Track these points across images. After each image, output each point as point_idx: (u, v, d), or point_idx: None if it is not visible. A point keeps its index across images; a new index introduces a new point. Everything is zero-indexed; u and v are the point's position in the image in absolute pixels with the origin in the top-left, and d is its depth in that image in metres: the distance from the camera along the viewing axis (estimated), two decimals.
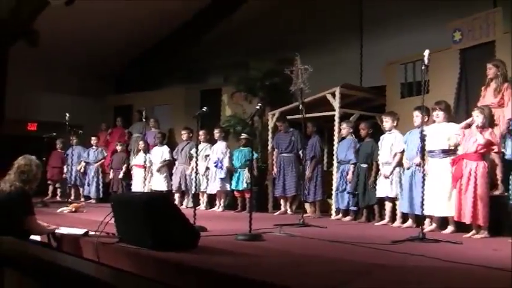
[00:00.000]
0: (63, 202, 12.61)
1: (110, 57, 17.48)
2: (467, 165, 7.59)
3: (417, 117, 8.61)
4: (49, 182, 15.44)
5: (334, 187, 10.72)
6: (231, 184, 12.30)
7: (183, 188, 13.18)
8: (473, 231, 7.51)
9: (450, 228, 8.00)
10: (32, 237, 6.11)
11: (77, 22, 14.45)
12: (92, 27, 15.11)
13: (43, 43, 14.61)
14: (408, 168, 8.95)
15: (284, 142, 11.66)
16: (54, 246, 6.13)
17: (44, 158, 12.53)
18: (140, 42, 16.98)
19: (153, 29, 15.92)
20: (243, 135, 12.44)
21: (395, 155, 9.31)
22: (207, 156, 12.66)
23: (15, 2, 13.58)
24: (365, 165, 10.01)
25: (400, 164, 9.25)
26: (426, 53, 7.01)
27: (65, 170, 14.98)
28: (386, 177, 9.37)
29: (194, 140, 12.35)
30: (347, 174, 10.39)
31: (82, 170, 15.05)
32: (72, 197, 14.58)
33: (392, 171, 9.30)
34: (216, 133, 12.61)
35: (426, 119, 7.95)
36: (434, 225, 8.28)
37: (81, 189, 15.18)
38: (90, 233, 5.98)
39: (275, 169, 11.82)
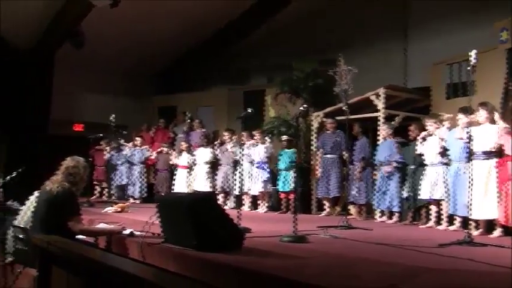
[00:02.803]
0: (109, 202, 12.73)
1: (154, 59, 17.66)
2: None
3: (461, 119, 8.43)
4: (95, 182, 15.55)
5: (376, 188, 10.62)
6: (273, 185, 12.27)
7: (226, 188, 13.17)
8: None
9: (498, 232, 7.85)
10: (79, 237, 6.18)
11: (122, 24, 14.61)
12: (137, 29, 15.25)
13: (88, 45, 14.83)
14: (449, 169, 8.83)
15: (329, 142, 11.62)
16: (102, 246, 6.20)
17: (90, 159, 12.68)
18: (184, 43, 17.07)
19: (197, 30, 15.97)
20: (284, 137, 12.42)
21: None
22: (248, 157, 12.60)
23: (60, 5, 13.76)
24: (413, 167, 9.88)
25: (445, 164, 9.11)
26: (473, 53, 6.92)
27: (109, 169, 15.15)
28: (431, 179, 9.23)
29: (237, 141, 12.40)
30: (388, 175, 10.28)
31: (129, 155, 14.94)
32: (115, 197, 14.65)
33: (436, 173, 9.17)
34: (257, 135, 12.53)
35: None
36: (481, 229, 8.13)
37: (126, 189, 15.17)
38: (136, 233, 6.04)
39: (319, 170, 11.74)
